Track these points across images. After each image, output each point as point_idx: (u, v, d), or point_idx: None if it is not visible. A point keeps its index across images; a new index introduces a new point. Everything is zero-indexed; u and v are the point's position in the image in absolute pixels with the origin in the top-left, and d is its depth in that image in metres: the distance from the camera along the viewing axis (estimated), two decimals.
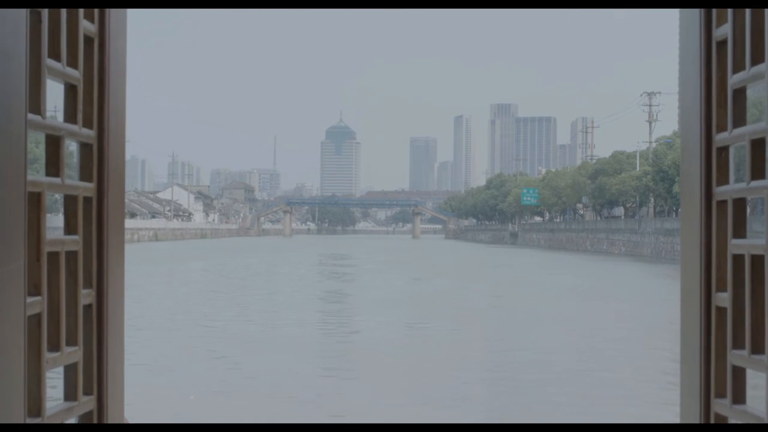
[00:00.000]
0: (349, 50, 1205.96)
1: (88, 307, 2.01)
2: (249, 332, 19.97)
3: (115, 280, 2.10)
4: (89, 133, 2.02)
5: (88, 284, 2.00)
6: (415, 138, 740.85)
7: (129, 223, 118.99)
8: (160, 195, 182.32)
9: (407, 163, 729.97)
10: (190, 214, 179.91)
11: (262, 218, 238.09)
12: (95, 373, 2.02)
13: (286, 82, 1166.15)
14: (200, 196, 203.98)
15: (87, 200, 2.01)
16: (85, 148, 2.03)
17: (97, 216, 2.04)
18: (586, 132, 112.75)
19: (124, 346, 2.16)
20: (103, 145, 2.07)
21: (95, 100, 2.05)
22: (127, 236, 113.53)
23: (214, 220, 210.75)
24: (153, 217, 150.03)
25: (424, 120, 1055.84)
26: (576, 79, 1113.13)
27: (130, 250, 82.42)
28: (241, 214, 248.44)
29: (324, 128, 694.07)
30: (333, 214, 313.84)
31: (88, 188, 2.01)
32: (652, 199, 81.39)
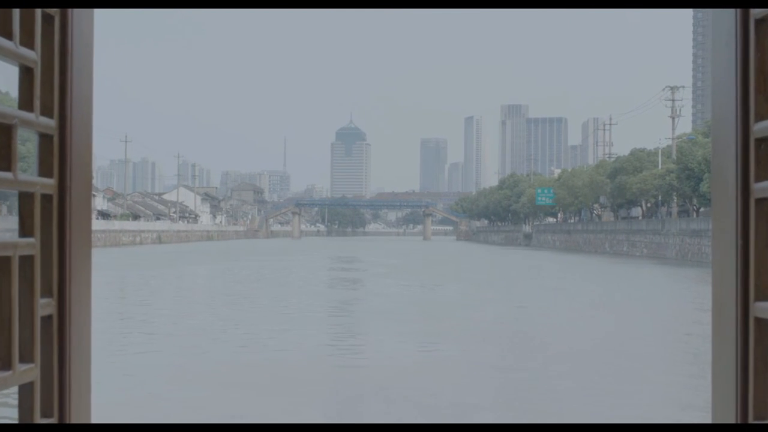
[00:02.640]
0: (359, 52, 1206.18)
1: (47, 319, 1.82)
2: (227, 357, 17.12)
3: (79, 288, 1.91)
4: (49, 123, 1.83)
5: (47, 293, 1.81)
6: (426, 139, 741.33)
7: (132, 225, 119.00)
8: (165, 196, 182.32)
9: (417, 164, 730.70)
10: (196, 215, 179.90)
11: (271, 220, 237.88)
12: (56, 393, 1.84)
13: (296, 84, 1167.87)
14: (207, 197, 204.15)
15: (46, 198, 1.82)
16: (44, 139, 1.84)
17: (58, 215, 1.85)
18: (605, 129, 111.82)
19: (91, 362, 1.97)
20: (65, 135, 1.87)
21: (56, 85, 1.85)
22: (130, 238, 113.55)
23: (221, 221, 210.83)
24: (158, 218, 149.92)
25: (434, 121, 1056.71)
26: (586, 81, 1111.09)
27: (128, 252, 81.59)
28: (249, 216, 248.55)
29: (334, 130, 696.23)
30: (343, 215, 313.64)
31: (48, 184, 1.82)
32: (676, 199, 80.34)
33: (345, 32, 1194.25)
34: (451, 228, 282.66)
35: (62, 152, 1.87)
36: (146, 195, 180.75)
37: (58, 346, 1.84)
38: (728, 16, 2.03)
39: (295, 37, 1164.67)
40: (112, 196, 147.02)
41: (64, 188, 1.86)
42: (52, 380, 1.82)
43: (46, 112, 1.83)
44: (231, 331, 21.24)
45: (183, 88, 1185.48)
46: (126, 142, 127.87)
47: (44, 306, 1.80)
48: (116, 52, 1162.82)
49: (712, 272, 2.02)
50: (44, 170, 1.84)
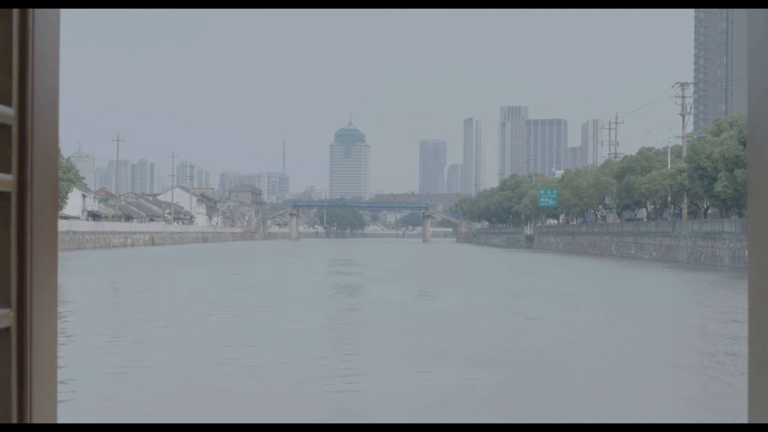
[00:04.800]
0: (359, 53, 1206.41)
1: (4, 332, 1.65)
2: (186, 384, 14.45)
3: (42, 297, 1.72)
4: (6, 111, 1.66)
5: (4, 303, 1.66)
6: (425, 141, 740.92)
7: (123, 226, 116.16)
8: (160, 197, 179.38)
9: (417, 166, 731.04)
10: (191, 217, 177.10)
11: (269, 221, 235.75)
12: (15, 415, 1.66)
13: (295, 86, 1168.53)
14: (203, 198, 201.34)
15: (3, 196, 1.66)
16: (1, 129, 1.67)
17: (17, 216, 1.67)
18: (610, 129, 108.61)
19: (57, 381, 1.69)
20: (25, 126, 1.69)
21: (15, 69, 1.68)
22: (121, 240, 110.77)
23: (217, 223, 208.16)
24: (151, 220, 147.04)
25: (433, 123, 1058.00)
26: (586, 83, 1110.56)
27: (117, 255, 78.59)
28: (247, 217, 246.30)
29: (333, 131, 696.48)
30: (341, 217, 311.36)
31: (5, 181, 1.66)
32: (686, 199, 77.32)
33: (344, 33, 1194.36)
34: (450, 230, 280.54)
35: (22, 145, 1.69)
36: (140, 196, 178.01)
37: (18, 362, 1.67)
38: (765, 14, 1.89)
39: (294, 39, 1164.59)
40: (105, 197, 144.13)
41: (24, 185, 1.69)
42: (9, 403, 1.65)
43: (4, 99, 1.67)
44: (200, 348, 18.38)
45: (182, 90, 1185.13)
46: (118, 141, 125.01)
47: (1, 318, 1.64)
48: (115, 53, 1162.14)
49: (749, 275, 1.95)
50: (1, 165, 1.67)
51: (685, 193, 76.06)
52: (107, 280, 42.02)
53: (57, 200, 1.76)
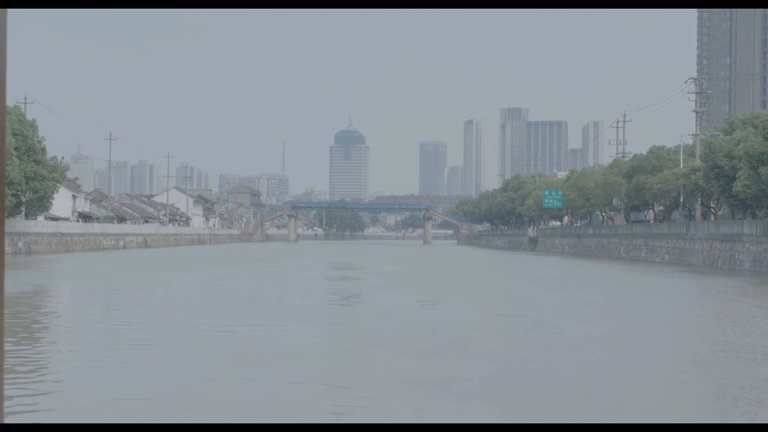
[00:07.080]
0: (359, 54, 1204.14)
1: None
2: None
3: None
4: None
5: None
6: (425, 143, 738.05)
7: (115, 228, 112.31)
8: (156, 198, 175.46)
9: (417, 167, 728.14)
10: (188, 218, 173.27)
11: (267, 223, 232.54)
12: None
13: (295, 87, 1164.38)
14: (200, 199, 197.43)
15: None
16: None
17: None
18: (617, 127, 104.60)
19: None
20: None
21: None
22: (112, 242, 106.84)
23: (214, 225, 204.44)
24: (146, 221, 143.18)
25: (433, 124, 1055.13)
26: (586, 84, 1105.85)
27: (106, 257, 75.31)
28: (245, 219, 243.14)
29: (333, 133, 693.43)
30: (341, 218, 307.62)
31: None
32: (701, 200, 73.48)
33: (344, 35, 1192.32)
34: (451, 232, 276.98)
35: None
36: (134, 197, 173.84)
37: None
38: None
39: (294, 40, 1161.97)
40: (98, 197, 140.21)
41: None
42: None
43: None
44: (150, 371, 15.22)
45: (182, 92, 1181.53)
46: (110, 140, 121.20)
47: None
48: (115, 55, 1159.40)
49: None
50: None
51: (700, 194, 72.29)
52: (79, 285, 38.58)
53: (3, 198, 1.61)
